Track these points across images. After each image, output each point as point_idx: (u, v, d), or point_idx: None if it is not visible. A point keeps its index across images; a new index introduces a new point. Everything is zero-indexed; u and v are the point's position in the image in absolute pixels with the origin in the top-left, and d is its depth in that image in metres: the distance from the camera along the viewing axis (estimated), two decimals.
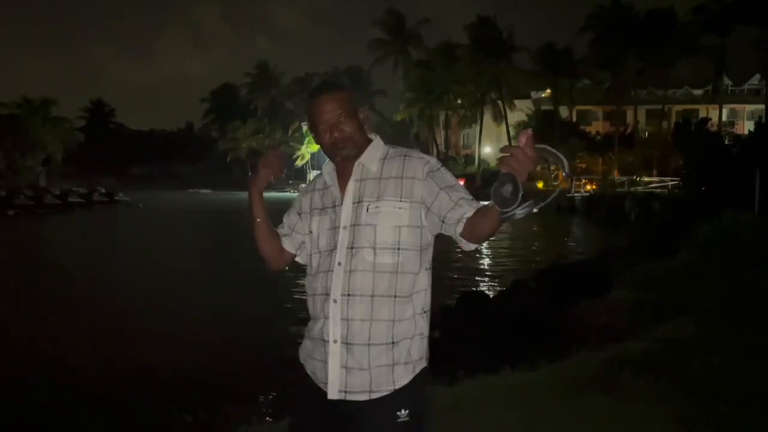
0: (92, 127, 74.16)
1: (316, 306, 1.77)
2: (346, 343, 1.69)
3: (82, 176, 55.08)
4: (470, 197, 1.70)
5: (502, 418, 3.32)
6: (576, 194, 35.84)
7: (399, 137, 50.83)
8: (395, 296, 1.70)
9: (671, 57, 42.33)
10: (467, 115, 52.68)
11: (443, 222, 1.68)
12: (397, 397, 1.69)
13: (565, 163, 1.43)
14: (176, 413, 5.61)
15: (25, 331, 9.19)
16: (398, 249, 1.70)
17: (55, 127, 49.49)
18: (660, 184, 34.73)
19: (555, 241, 22.19)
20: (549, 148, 1.43)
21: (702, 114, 42.04)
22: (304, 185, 1.96)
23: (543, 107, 48.92)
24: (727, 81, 49.52)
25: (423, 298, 1.76)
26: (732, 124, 45.27)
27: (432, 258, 1.81)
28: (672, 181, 31.98)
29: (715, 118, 38.77)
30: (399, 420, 1.67)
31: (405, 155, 1.77)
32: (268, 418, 5.28)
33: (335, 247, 1.74)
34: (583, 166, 44.07)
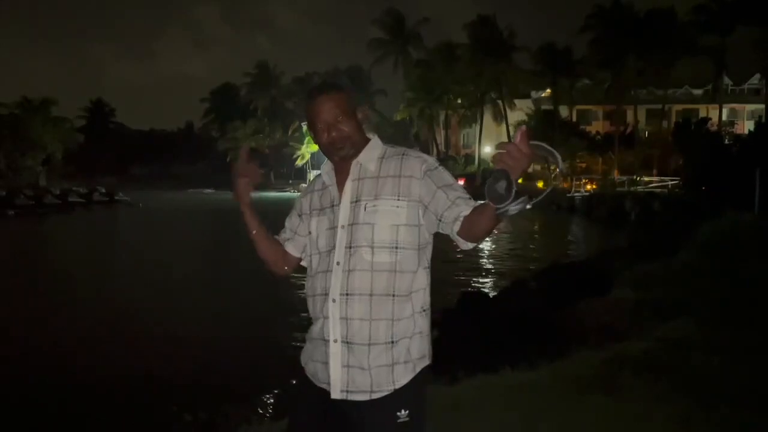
0: (92, 127, 74.20)
1: (315, 306, 1.77)
2: (347, 343, 1.69)
3: (82, 176, 55.13)
4: (467, 196, 1.70)
5: (502, 418, 3.32)
6: (576, 194, 35.85)
7: (399, 137, 50.89)
8: (394, 295, 1.70)
9: (671, 57, 42.32)
10: (467, 114, 52.69)
11: (440, 221, 1.69)
12: (397, 397, 1.69)
13: (559, 158, 1.45)
14: (176, 413, 5.62)
15: (25, 331, 9.19)
16: (396, 248, 1.70)
17: (55, 127, 49.52)
18: (660, 184, 34.74)
19: (555, 240, 22.19)
20: (543, 144, 1.45)
21: (702, 114, 42.02)
22: (304, 185, 1.96)
23: (543, 107, 48.91)
24: (727, 80, 49.51)
25: (422, 296, 1.76)
26: (732, 123, 45.26)
27: (431, 257, 1.81)
28: (672, 180, 32.00)
29: (715, 118, 38.75)
30: (399, 420, 1.68)
31: (403, 154, 1.78)
32: (268, 418, 5.29)
33: (334, 247, 1.74)
34: (583, 165, 44.09)
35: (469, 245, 1.68)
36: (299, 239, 1.92)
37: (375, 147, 1.81)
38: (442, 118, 54.82)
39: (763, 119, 22.74)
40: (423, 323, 1.76)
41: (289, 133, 61.72)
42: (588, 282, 8.41)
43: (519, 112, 48.11)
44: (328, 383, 1.72)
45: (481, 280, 13.42)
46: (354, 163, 1.78)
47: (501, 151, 1.43)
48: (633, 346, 4.72)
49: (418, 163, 1.74)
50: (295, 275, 2.07)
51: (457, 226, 1.65)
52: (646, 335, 5.10)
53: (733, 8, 38.68)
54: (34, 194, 38.74)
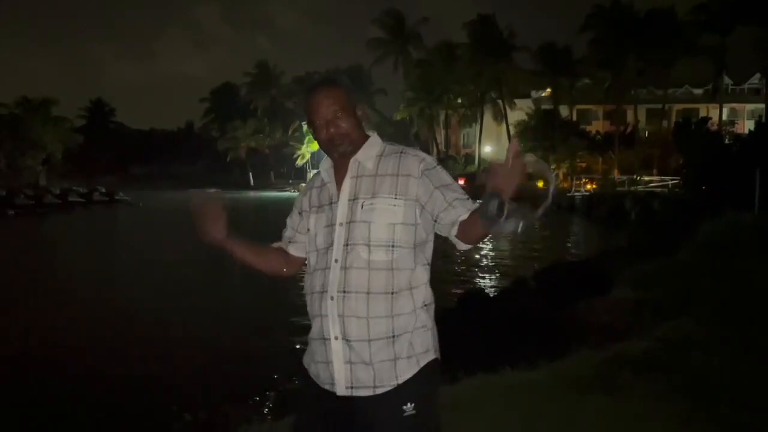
0: (92, 127, 74.19)
1: (314, 304, 1.77)
2: (346, 340, 1.69)
3: (82, 176, 55.12)
4: (465, 197, 1.70)
5: (502, 418, 3.32)
6: (576, 193, 35.86)
7: (399, 136, 50.81)
8: (392, 292, 1.70)
9: (671, 56, 42.32)
10: (467, 114, 52.68)
11: (436, 222, 1.70)
12: (402, 392, 1.69)
13: (552, 177, 1.47)
14: (176, 413, 5.62)
15: (25, 331, 9.19)
16: (392, 246, 1.70)
17: (55, 127, 49.50)
18: (660, 184, 34.72)
19: (555, 240, 22.17)
20: (537, 159, 1.45)
21: (702, 113, 42.02)
22: (304, 185, 1.96)
23: (543, 106, 48.86)
24: (727, 80, 49.49)
25: (423, 292, 1.76)
26: (732, 123, 45.20)
27: (432, 254, 1.81)
28: (672, 180, 31.97)
29: (715, 118, 38.73)
30: (405, 414, 1.67)
31: (401, 152, 1.78)
32: (268, 418, 5.28)
33: (332, 244, 1.74)
34: (584, 165, 44.08)
35: (467, 246, 1.70)
36: (301, 238, 1.91)
37: (374, 144, 1.81)
38: (442, 117, 54.80)
39: (764, 119, 22.73)
40: (426, 318, 1.76)
41: (290, 132, 61.71)
42: (588, 282, 8.42)
43: (519, 111, 48.08)
44: (331, 383, 1.72)
45: (481, 280, 13.42)
46: (352, 160, 1.78)
47: (490, 171, 1.44)
48: (633, 346, 4.72)
49: (416, 161, 1.74)
50: (297, 275, 2.07)
51: (455, 231, 1.67)
52: (646, 335, 5.10)
53: (733, 8, 38.65)
54: (34, 194, 38.75)
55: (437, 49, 51.75)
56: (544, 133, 43.96)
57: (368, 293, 1.68)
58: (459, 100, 52.52)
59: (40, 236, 25.57)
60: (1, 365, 7.49)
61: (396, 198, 1.71)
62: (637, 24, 42.07)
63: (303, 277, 1.89)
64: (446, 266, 13.51)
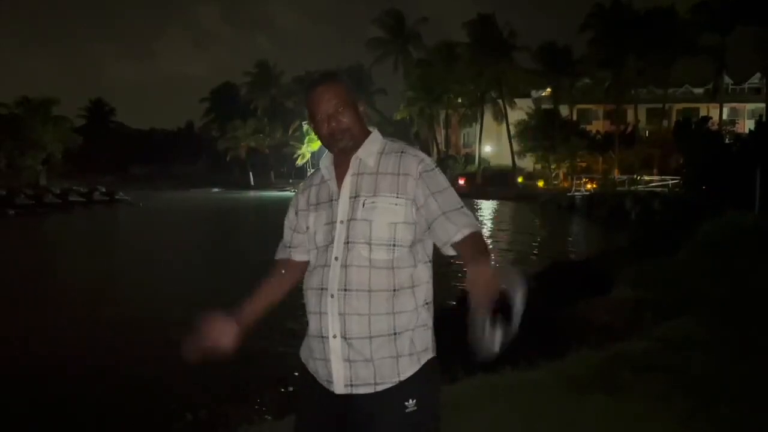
0: (92, 127, 74.22)
1: (312, 301, 1.76)
2: (346, 338, 1.69)
3: (83, 175, 55.11)
4: (458, 205, 1.72)
5: (502, 418, 3.32)
6: (576, 193, 35.86)
7: (399, 136, 49.91)
8: (394, 290, 1.70)
9: (671, 56, 42.35)
10: (467, 114, 52.68)
11: (429, 229, 1.72)
12: (404, 388, 1.69)
13: (519, 293, 1.49)
14: (177, 412, 5.61)
15: (25, 331, 9.19)
16: (393, 245, 1.70)
17: (55, 127, 49.48)
18: (660, 183, 34.71)
19: (555, 240, 22.17)
20: (511, 269, 1.48)
21: (702, 113, 42.02)
22: (303, 184, 1.95)
23: (543, 106, 48.90)
24: (727, 80, 49.52)
25: (425, 290, 1.76)
26: (732, 122, 45.25)
27: (432, 251, 1.81)
28: (672, 180, 31.96)
29: (715, 117, 38.74)
30: (407, 410, 1.68)
31: (401, 152, 1.77)
32: (268, 417, 5.28)
33: (332, 242, 1.73)
34: (584, 165, 44.10)
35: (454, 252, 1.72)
36: (301, 238, 1.89)
37: (374, 141, 1.80)
38: (442, 117, 54.81)
39: (764, 118, 22.69)
40: (426, 316, 1.77)
41: (290, 132, 61.68)
42: (588, 281, 8.42)
43: (519, 111, 48.08)
44: (329, 380, 1.72)
45: None
46: (353, 157, 1.77)
47: (468, 286, 1.47)
48: (633, 346, 4.72)
49: (415, 162, 1.74)
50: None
51: (448, 251, 1.70)
52: (646, 335, 5.10)
53: (733, 7, 38.65)
54: (35, 193, 38.74)
55: (437, 48, 51.76)
56: (544, 133, 43.99)
57: (370, 291, 1.68)
58: (459, 100, 52.52)
59: (40, 236, 25.57)
60: (0, 365, 7.49)
61: (397, 197, 1.71)
62: (637, 23, 42.08)
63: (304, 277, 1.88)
64: (447, 265, 13.50)
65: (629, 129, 45.72)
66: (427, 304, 1.77)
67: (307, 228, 1.84)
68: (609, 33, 42.49)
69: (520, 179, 47.71)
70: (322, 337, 1.72)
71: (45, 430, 5.76)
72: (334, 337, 1.70)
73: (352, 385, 1.69)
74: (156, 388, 6.50)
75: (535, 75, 47.82)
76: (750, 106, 49.62)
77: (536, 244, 21.44)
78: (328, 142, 1.79)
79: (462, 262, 1.65)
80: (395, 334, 1.70)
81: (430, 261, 1.80)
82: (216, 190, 59.73)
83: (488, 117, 50.32)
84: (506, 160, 48.97)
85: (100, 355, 7.85)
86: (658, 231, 15.99)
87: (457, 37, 53.74)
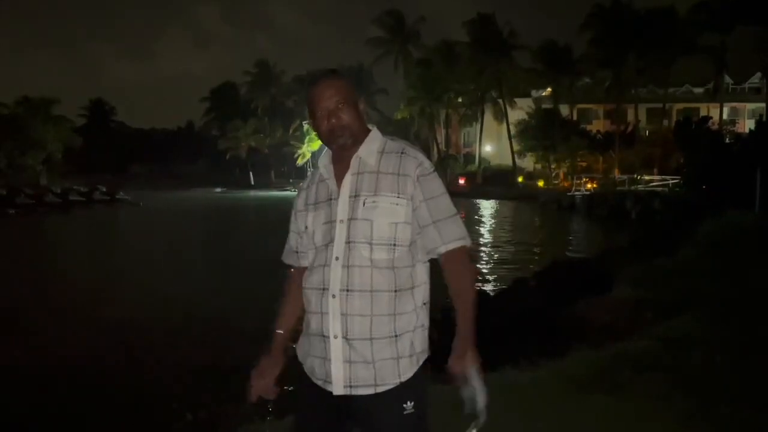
0: (93, 126, 74.22)
1: (313, 301, 1.76)
2: (347, 339, 1.68)
3: (83, 175, 55.10)
4: (450, 213, 1.75)
5: (503, 417, 3.32)
6: (576, 192, 35.85)
7: (400, 136, 49.63)
8: (395, 290, 1.70)
9: (672, 55, 42.30)
10: (468, 113, 52.63)
11: (419, 233, 1.75)
12: (403, 390, 1.70)
13: (479, 402, 1.72)
14: (177, 412, 5.62)
15: (25, 330, 9.19)
16: (394, 245, 1.70)
17: (55, 126, 49.48)
18: (661, 183, 34.67)
19: (555, 239, 22.17)
20: (475, 380, 1.71)
21: (703, 112, 41.98)
22: (302, 184, 1.95)
23: (543, 105, 48.83)
24: (727, 79, 49.49)
25: (423, 291, 1.77)
26: (733, 122, 45.19)
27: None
28: (673, 179, 31.92)
29: (716, 117, 38.70)
30: (405, 412, 1.69)
31: (402, 152, 1.77)
32: (269, 417, 5.28)
33: (331, 241, 1.73)
34: (584, 164, 44.06)
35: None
36: (306, 242, 1.88)
37: (374, 140, 1.80)
38: (442, 116, 54.75)
39: (764, 118, 22.66)
40: (424, 317, 1.78)
41: (290, 132, 61.64)
42: (588, 281, 8.42)
43: (519, 110, 48.04)
44: (326, 379, 1.71)
45: (481, 279, 13.42)
46: (354, 157, 1.77)
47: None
48: (633, 345, 4.72)
49: (414, 164, 1.74)
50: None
51: (426, 256, 1.76)
52: (646, 334, 5.10)
53: (733, 7, 38.62)
54: (35, 193, 38.76)
55: (437, 48, 51.71)
56: (544, 133, 43.95)
57: (372, 291, 1.68)
58: (459, 99, 52.48)
59: (40, 235, 25.57)
60: (1, 364, 7.49)
61: (398, 197, 1.71)
62: (637, 23, 42.02)
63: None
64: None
65: (629, 129, 45.68)
66: (424, 304, 1.78)
67: (306, 228, 1.83)
68: (609, 32, 42.44)
69: (520, 179, 47.69)
70: (323, 336, 1.72)
71: (45, 429, 5.76)
72: (335, 337, 1.69)
73: (351, 386, 1.69)
74: (156, 388, 6.50)
75: (536, 74, 47.76)
76: (750, 106, 49.58)
77: (536, 243, 21.44)
78: (327, 139, 1.78)
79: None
80: (396, 336, 1.70)
81: (428, 261, 1.80)
82: (219, 189, 59.57)
83: (488, 116, 50.30)
84: (506, 160, 48.96)
85: (100, 355, 7.85)
86: (659, 231, 15.98)
87: (456, 37, 53.68)
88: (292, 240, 1.92)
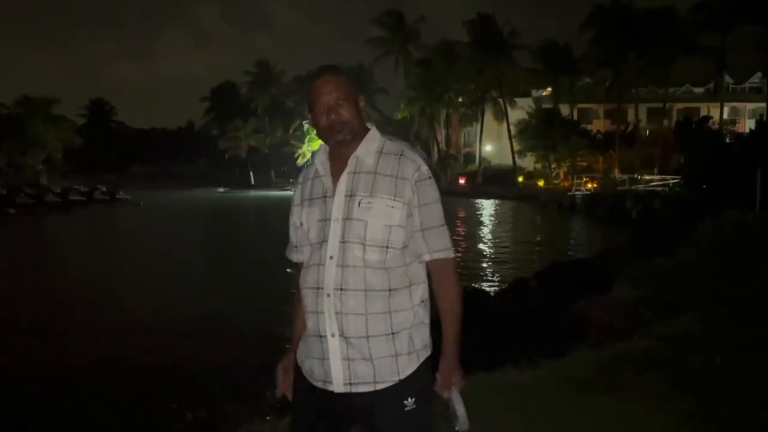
0: (93, 126, 74.24)
1: (310, 300, 1.75)
2: (344, 337, 1.69)
3: (83, 175, 55.10)
4: (439, 222, 1.76)
5: (504, 416, 3.32)
6: (577, 192, 35.85)
7: (400, 135, 50.10)
8: (390, 289, 1.70)
9: (672, 55, 42.27)
10: (468, 113, 52.61)
11: (411, 236, 1.76)
12: (403, 387, 1.70)
13: (460, 421, 1.75)
14: (177, 411, 5.62)
15: (25, 330, 9.20)
16: (387, 247, 1.70)
17: (56, 126, 49.48)
18: (661, 183, 34.68)
19: (556, 239, 22.17)
20: (456, 398, 1.76)
21: (703, 112, 41.98)
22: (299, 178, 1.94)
23: (544, 105, 48.81)
24: (728, 79, 49.47)
25: (421, 289, 1.77)
26: (733, 122, 45.09)
27: None
28: (673, 179, 31.91)
29: (716, 117, 38.70)
30: (406, 409, 1.70)
31: (401, 154, 1.76)
32: (269, 417, 5.28)
33: (325, 240, 1.72)
34: (584, 164, 44.04)
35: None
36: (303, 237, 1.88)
37: (373, 139, 1.79)
38: (442, 116, 54.73)
39: (764, 118, 22.65)
40: (423, 314, 1.77)
41: (290, 131, 61.61)
42: (589, 280, 8.41)
43: (520, 110, 48.02)
44: (324, 380, 1.71)
45: (482, 279, 13.42)
46: (352, 156, 1.76)
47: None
48: (634, 345, 4.72)
49: (412, 168, 1.73)
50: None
51: (412, 259, 1.76)
52: (646, 334, 5.10)
53: (733, 7, 38.61)
54: (35, 193, 38.79)
55: (438, 48, 51.70)
56: (544, 132, 43.93)
57: (366, 291, 1.68)
58: (460, 99, 52.45)
59: (40, 235, 25.58)
60: (1, 363, 7.49)
61: (394, 200, 1.70)
62: (637, 23, 41.99)
63: None
64: None
65: (630, 128, 45.64)
66: (423, 302, 1.77)
67: (301, 224, 1.82)
68: (609, 32, 42.40)
69: (520, 178, 47.66)
70: (320, 336, 1.72)
71: (45, 429, 5.77)
72: (333, 336, 1.69)
73: (351, 384, 1.69)
74: (156, 388, 6.50)
75: (536, 74, 47.71)
76: (751, 106, 49.52)
77: (537, 243, 21.44)
78: (326, 134, 1.77)
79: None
80: (393, 333, 1.70)
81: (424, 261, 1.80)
82: (222, 189, 59.44)
83: (489, 116, 50.28)
84: (507, 160, 48.94)
85: (100, 353, 7.85)
86: (659, 230, 15.96)
87: (456, 37, 53.66)
88: (292, 235, 1.92)
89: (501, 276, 13.47)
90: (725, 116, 44.35)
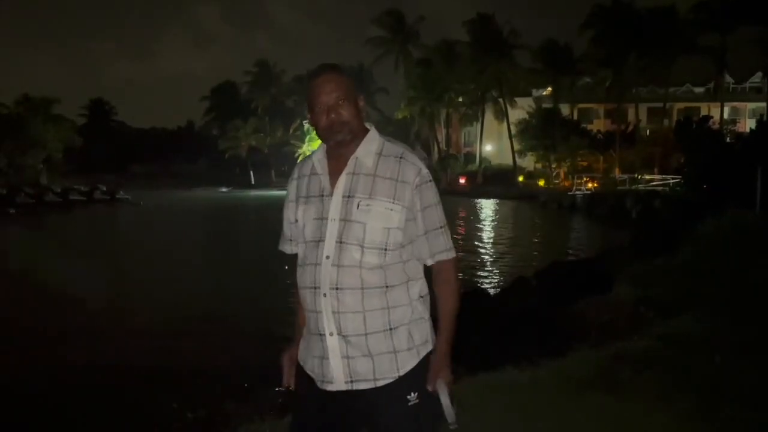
0: (93, 126, 74.18)
1: (308, 300, 1.76)
2: (342, 336, 1.69)
3: (83, 174, 55.09)
4: (440, 224, 1.76)
5: (504, 416, 3.32)
6: (577, 192, 35.85)
7: (400, 135, 50.75)
8: (386, 286, 1.70)
9: (672, 55, 42.25)
10: (468, 113, 52.62)
11: (413, 240, 1.77)
12: (405, 382, 1.71)
13: (447, 415, 1.73)
14: (177, 411, 5.61)
15: (24, 330, 9.19)
16: (385, 249, 1.70)
17: (56, 126, 49.47)
18: (661, 182, 34.67)
19: (556, 239, 22.17)
20: (443, 393, 1.74)
21: (703, 112, 41.93)
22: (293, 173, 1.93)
23: (544, 105, 48.82)
24: (728, 79, 49.46)
25: (419, 284, 1.78)
26: (733, 122, 45.09)
27: None
28: (673, 179, 31.90)
29: (716, 116, 38.66)
30: (410, 403, 1.70)
31: (401, 157, 1.75)
32: (269, 416, 5.28)
33: (321, 239, 1.72)
34: (585, 164, 44.03)
35: None
36: (296, 231, 1.88)
37: (372, 140, 1.78)
38: (443, 116, 54.73)
39: (765, 118, 22.63)
40: (423, 309, 1.78)
41: (290, 131, 61.62)
42: (589, 280, 8.41)
43: (520, 110, 48.02)
44: (324, 379, 1.72)
45: (482, 279, 13.42)
46: (351, 157, 1.75)
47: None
48: (634, 345, 4.71)
49: (413, 172, 1.73)
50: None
51: (414, 262, 1.77)
52: (646, 333, 5.10)
53: (733, 7, 38.59)
54: (35, 192, 38.80)
55: (438, 47, 51.69)
56: (545, 132, 43.93)
57: (362, 289, 1.68)
58: (460, 99, 52.45)
59: (40, 235, 25.57)
60: (0, 363, 7.49)
61: (393, 203, 1.70)
62: (637, 22, 41.98)
63: None
64: None
65: (630, 128, 45.62)
66: (422, 297, 1.78)
67: (296, 220, 1.81)
68: (610, 32, 42.39)
69: (520, 178, 47.65)
70: (320, 334, 1.72)
71: (45, 429, 5.77)
72: (331, 334, 1.70)
73: (352, 381, 1.69)
74: (157, 388, 6.50)
75: (536, 74, 47.72)
76: (751, 106, 49.51)
77: (537, 243, 21.44)
78: (325, 134, 1.77)
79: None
80: (391, 329, 1.70)
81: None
82: (225, 189, 59.33)
83: (489, 116, 50.28)
84: (507, 159, 48.93)
85: (100, 353, 7.85)
86: (659, 230, 15.95)
87: (456, 37, 53.63)
88: (286, 228, 1.92)
89: (501, 276, 13.47)
90: (726, 116, 44.34)
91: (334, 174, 1.76)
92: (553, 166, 46.17)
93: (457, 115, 54.39)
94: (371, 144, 1.78)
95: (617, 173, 40.73)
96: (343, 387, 1.70)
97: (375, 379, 1.69)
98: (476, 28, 48.89)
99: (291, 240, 1.90)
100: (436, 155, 53.09)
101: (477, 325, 6.40)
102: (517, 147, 47.22)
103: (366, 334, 1.68)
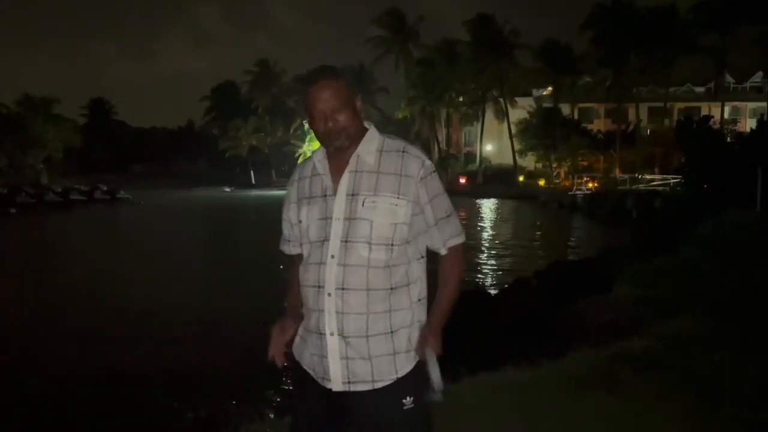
0: (93, 125, 74.13)
1: (309, 299, 1.76)
2: (343, 336, 1.69)
3: (84, 174, 55.10)
4: (448, 212, 1.78)
5: (504, 416, 3.32)
6: (578, 192, 35.84)
7: (401, 135, 49.81)
8: (391, 288, 1.70)
9: (673, 54, 42.24)
10: (469, 112, 52.60)
11: (425, 231, 1.79)
12: (401, 385, 1.71)
13: (434, 382, 1.72)
14: (177, 411, 5.62)
15: (24, 330, 9.20)
16: (392, 245, 1.70)
17: (56, 125, 49.49)
18: (662, 182, 34.66)
19: (557, 238, 22.17)
20: (432, 362, 1.73)
21: (704, 111, 41.91)
22: (294, 174, 1.93)
23: (544, 104, 48.79)
24: (729, 78, 49.43)
25: (419, 287, 1.78)
26: (734, 121, 45.06)
27: (426, 249, 1.83)
28: (674, 178, 31.90)
29: (717, 116, 38.65)
30: (405, 407, 1.70)
31: (403, 151, 1.76)
32: (269, 416, 5.28)
33: (326, 239, 1.72)
34: (585, 163, 44.01)
35: None
36: (297, 232, 1.87)
37: (372, 139, 1.78)
38: (443, 116, 54.68)
39: (765, 117, 22.62)
40: (421, 313, 1.78)
41: (291, 131, 61.59)
42: (589, 280, 8.41)
43: (520, 109, 48.01)
44: (324, 377, 1.72)
45: (482, 278, 13.42)
46: (353, 155, 1.75)
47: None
48: (634, 344, 4.71)
49: (417, 164, 1.74)
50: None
51: (424, 250, 1.80)
52: (647, 333, 5.09)
53: (733, 6, 38.58)
54: (36, 192, 38.83)
55: (438, 47, 51.67)
56: (545, 132, 43.91)
57: (368, 290, 1.68)
58: (460, 99, 52.42)
59: (40, 234, 25.58)
60: (0, 362, 7.49)
61: (399, 198, 1.70)
62: (638, 22, 41.96)
63: None
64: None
65: (630, 128, 45.59)
66: (420, 300, 1.78)
67: (300, 221, 1.81)
68: (610, 32, 42.37)
69: (521, 178, 47.64)
70: (320, 333, 1.72)
71: (45, 429, 5.76)
72: (332, 334, 1.69)
73: (349, 383, 1.69)
74: (157, 387, 6.50)
75: (537, 73, 47.72)
76: (752, 105, 49.47)
77: (537, 242, 21.44)
78: (324, 141, 1.77)
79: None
80: (392, 332, 1.71)
81: (423, 257, 1.80)
82: (228, 189, 59.17)
83: (489, 115, 50.27)
84: (507, 159, 48.93)
85: (100, 353, 7.85)
86: (660, 230, 15.95)
87: (457, 37, 53.60)
88: (285, 229, 1.92)
89: (501, 276, 13.47)
90: (726, 116, 44.35)
91: (336, 173, 1.76)
92: (554, 165, 46.15)
93: (458, 114, 54.37)
94: (372, 142, 1.78)
95: (618, 173, 40.71)
96: (340, 387, 1.70)
97: (373, 381, 1.69)
98: (476, 28, 48.89)
99: (290, 241, 1.91)
100: (436, 155, 53.04)
101: (477, 325, 6.40)
102: (517, 147, 47.21)
103: (367, 336, 1.68)
